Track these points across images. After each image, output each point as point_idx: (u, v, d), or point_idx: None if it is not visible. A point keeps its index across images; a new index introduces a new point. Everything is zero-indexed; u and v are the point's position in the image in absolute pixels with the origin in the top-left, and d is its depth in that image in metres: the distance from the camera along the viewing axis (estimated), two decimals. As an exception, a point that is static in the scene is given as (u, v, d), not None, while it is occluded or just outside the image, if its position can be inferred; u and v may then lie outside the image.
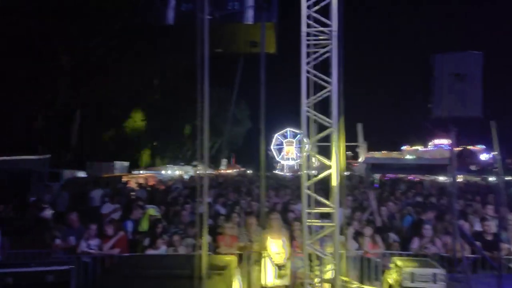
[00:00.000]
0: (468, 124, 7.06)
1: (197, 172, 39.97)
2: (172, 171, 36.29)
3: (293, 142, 57.29)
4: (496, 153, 9.98)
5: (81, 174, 23.99)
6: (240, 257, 7.44)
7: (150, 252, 7.44)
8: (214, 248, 7.50)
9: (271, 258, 7.42)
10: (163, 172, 34.42)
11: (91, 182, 16.95)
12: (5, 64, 22.36)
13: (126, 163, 29.07)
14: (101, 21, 23.80)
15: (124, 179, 21.74)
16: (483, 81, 6.18)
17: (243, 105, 50.18)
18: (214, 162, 43.57)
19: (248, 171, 51.89)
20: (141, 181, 22.23)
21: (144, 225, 9.04)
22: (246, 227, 8.00)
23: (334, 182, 5.96)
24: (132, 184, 19.47)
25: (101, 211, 10.52)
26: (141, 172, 30.66)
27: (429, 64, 6.19)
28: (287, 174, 41.31)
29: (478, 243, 7.43)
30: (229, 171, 49.53)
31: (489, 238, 7.81)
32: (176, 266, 5.60)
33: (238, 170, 54.50)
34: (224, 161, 52.44)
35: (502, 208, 8.69)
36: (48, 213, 10.35)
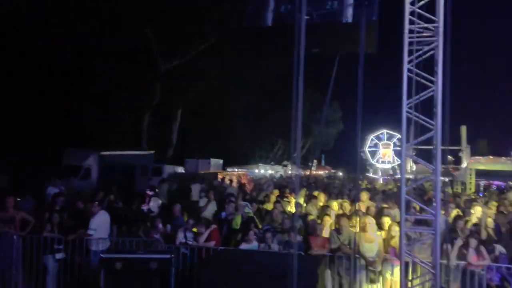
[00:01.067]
0: None
1: (288, 171, 40.33)
2: (264, 170, 37.02)
3: (389, 145, 54.66)
4: None
5: (180, 169, 25.50)
6: (331, 259, 7.36)
7: (243, 246, 7.66)
8: (305, 248, 7.49)
9: (365, 262, 7.22)
10: (256, 170, 35.25)
11: (190, 178, 17.94)
12: (110, 69, 24.61)
13: (221, 161, 30.28)
14: (198, 25, 25.04)
15: (219, 176, 22.67)
16: None
17: (336, 106, 49.38)
18: (304, 163, 43.51)
19: (338, 173, 50.98)
20: (234, 178, 22.99)
21: (238, 221, 9.30)
22: (337, 229, 7.86)
23: (436, 188, 5.61)
24: (227, 181, 20.22)
25: (199, 205, 11.09)
26: (235, 169, 31.73)
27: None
28: (386, 177, 39.70)
29: None
30: (320, 172, 49.12)
31: None
32: (268, 263, 5.72)
33: (328, 171, 53.78)
34: (314, 162, 52.15)
35: None
36: (155, 204, 11.15)
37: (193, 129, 32.23)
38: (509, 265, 7.01)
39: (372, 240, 7.43)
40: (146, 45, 25.94)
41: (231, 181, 19.99)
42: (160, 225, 8.42)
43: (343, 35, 5.15)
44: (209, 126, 33.45)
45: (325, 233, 8.01)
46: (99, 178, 20.05)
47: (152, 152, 24.87)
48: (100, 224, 8.28)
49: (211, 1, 24.61)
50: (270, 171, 38.32)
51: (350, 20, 4.85)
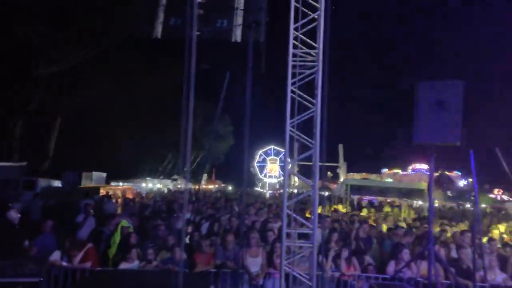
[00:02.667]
0: (447, 150, 7.17)
1: (178, 186, 39.57)
2: (152, 184, 35.85)
3: (276, 160, 57.26)
4: (471, 180, 10.17)
5: (57, 183, 23.50)
6: (216, 275, 7.34)
7: (123, 266, 7.25)
8: (190, 265, 7.37)
9: (248, 276, 7.33)
10: (143, 184, 33.95)
11: (83, 193, 16.61)
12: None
13: (104, 174, 28.55)
14: (88, 32, 23.66)
15: (102, 190, 21.34)
16: (464, 110, 6.29)
17: (227, 121, 50.22)
18: (195, 177, 43.21)
19: (228, 187, 51.60)
20: (119, 193, 21.87)
21: (116, 238, 8.79)
22: (223, 245, 7.89)
23: (314, 203, 5.95)
24: (108, 195, 19.11)
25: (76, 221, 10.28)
26: (120, 184, 30.15)
27: (412, 91, 6.30)
28: (272, 191, 41.22)
29: (453, 270, 7.48)
30: (210, 186, 49.17)
31: (465, 266, 7.86)
32: (150, 283, 5.48)
33: (218, 185, 54.16)
34: (204, 176, 52.08)
35: (477, 236, 8.78)
36: (15, 215, 9.95)
37: (74, 140, 29.90)
38: (377, 275, 7.70)
39: (256, 255, 7.60)
40: (26, 46, 23.60)
41: (111, 196, 18.92)
42: (27, 242, 7.61)
43: (232, 54, 5.26)
44: (92, 136, 31.34)
45: (211, 249, 7.98)
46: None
47: (24, 163, 22.55)
48: (-48, 245, 7.16)
49: (100, 8, 23.44)
50: (158, 185, 37.24)
51: (239, 40, 4.98)
